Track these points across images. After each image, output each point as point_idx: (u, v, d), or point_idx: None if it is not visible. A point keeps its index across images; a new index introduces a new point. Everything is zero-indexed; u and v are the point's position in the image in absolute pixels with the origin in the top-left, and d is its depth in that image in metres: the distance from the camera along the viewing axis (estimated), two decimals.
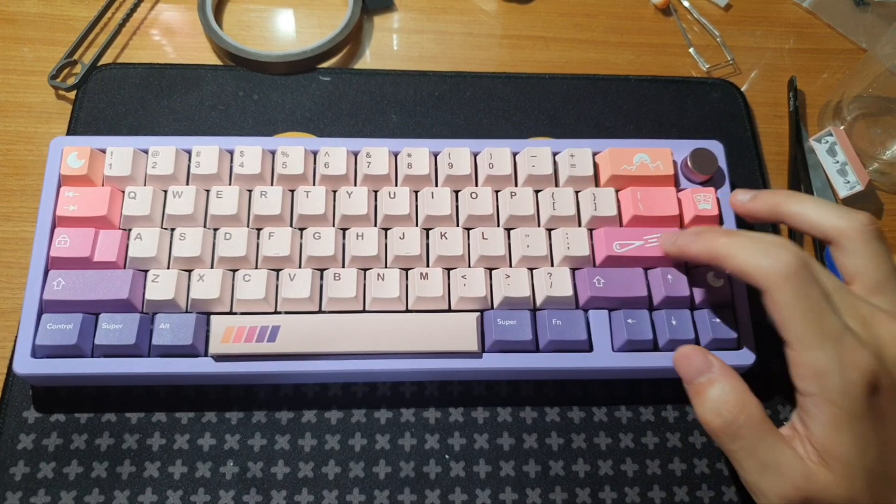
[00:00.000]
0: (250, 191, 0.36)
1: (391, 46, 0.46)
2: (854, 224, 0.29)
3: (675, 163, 0.38)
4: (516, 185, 0.37)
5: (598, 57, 0.46)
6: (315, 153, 0.37)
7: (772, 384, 0.36)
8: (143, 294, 0.33)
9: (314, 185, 0.36)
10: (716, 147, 0.38)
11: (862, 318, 0.27)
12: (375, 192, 0.36)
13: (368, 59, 0.45)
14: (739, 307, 0.35)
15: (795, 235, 0.41)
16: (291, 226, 0.35)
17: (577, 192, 0.37)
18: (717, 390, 0.27)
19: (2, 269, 0.37)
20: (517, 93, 0.43)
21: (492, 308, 0.34)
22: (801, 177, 0.42)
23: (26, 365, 0.32)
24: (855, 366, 0.25)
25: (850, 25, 0.48)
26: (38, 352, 0.32)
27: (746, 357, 0.34)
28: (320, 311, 0.34)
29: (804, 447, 0.26)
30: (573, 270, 0.35)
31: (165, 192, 0.35)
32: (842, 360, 0.25)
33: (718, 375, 0.28)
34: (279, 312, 0.34)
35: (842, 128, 0.43)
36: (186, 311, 0.33)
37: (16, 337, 0.34)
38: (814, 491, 0.25)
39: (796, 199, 0.31)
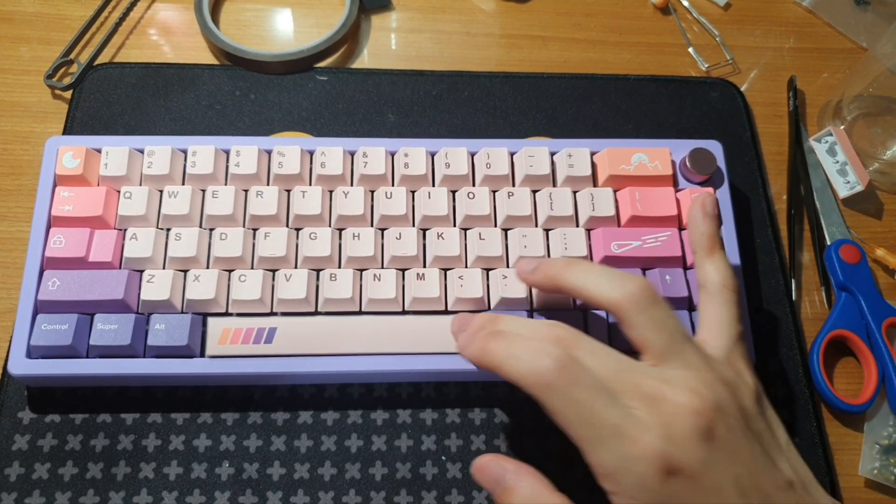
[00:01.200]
0: (246, 191, 0.36)
1: (389, 46, 0.45)
2: (625, 295, 0.27)
3: (673, 163, 0.38)
4: (514, 185, 0.37)
5: (596, 56, 0.46)
6: (311, 153, 0.37)
7: (771, 385, 0.36)
8: (139, 294, 0.33)
9: (310, 185, 0.36)
10: (715, 147, 0.38)
11: (646, 397, 0.25)
12: (372, 192, 0.36)
13: (366, 59, 0.45)
14: None
15: (794, 234, 0.41)
16: (287, 226, 0.35)
17: (574, 193, 0.37)
18: (518, 497, 0.26)
19: None
20: (515, 92, 0.43)
21: (489, 309, 0.34)
22: (801, 177, 0.42)
23: (21, 365, 0.32)
24: (642, 458, 0.24)
25: (850, 25, 0.48)
26: (33, 352, 0.32)
27: None
28: (316, 312, 0.34)
29: None
30: None
31: (161, 191, 0.35)
32: (627, 454, 0.24)
33: (514, 478, 0.26)
34: (275, 313, 0.34)
35: (842, 127, 0.43)
36: (182, 312, 0.33)
37: (11, 337, 0.33)
38: None
39: (572, 270, 0.29)
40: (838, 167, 0.42)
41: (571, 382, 0.25)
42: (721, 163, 0.38)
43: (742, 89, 0.45)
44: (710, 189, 0.37)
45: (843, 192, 0.41)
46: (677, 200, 0.37)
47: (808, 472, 0.28)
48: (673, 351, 0.27)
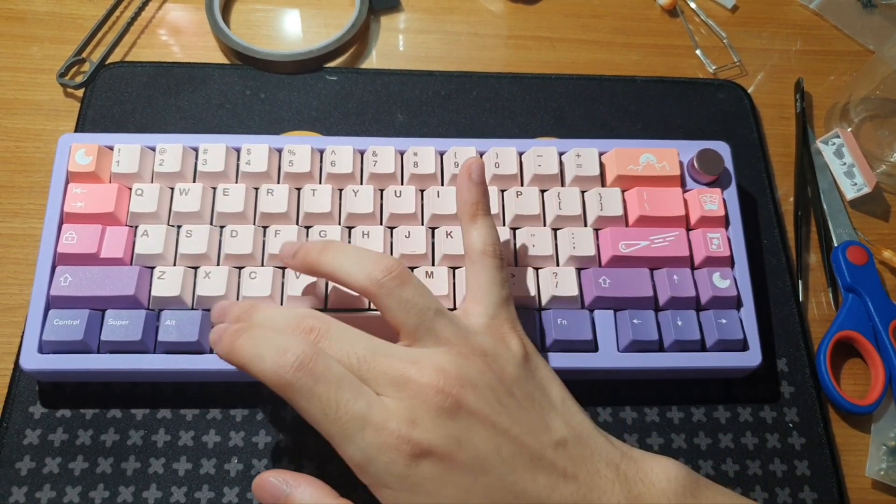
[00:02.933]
0: (257, 189, 0.36)
1: (397, 46, 0.46)
2: (371, 279, 0.27)
3: (681, 163, 0.38)
4: (522, 185, 0.37)
5: (604, 58, 0.46)
6: (321, 152, 0.37)
7: (778, 385, 0.36)
8: (150, 291, 0.33)
9: (320, 183, 0.37)
10: (722, 148, 0.38)
11: (394, 382, 0.25)
12: (381, 190, 0.36)
13: (375, 59, 0.45)
14: (745, 308, 0.35)
15: (801, 235, 0.41)
16: (298, 224, 0.35)
17: (583, 192, 0.37)
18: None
19: (9, 265, 0.37)
20: (523, 93, 0.44)
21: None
22: (808, 178, 0.42)
23: (33, 360, 0.32)
24: (387, 446, 0.24)
25: (857, 27, 0.48)
26: (44, 347, 0.32)
27: (752, 358, 0.34)
28: (326, 309, 0.34)
29: None
30: (579, 270, 0.35)
31: (172, 189, 0.36)
32: (373, 444, 0.24)
33: (293, 490, 0.26)
34: None
35: (849, 130, 0.43)
36: (192, 308, 0.33)
37: (23, 333, 0.34)
38: None
39: (326, 254, 0.29)
40: (845, 169, 0.42)
41: (313, 379, 0.24)
42: (729, 164, 0.38)
43: (749, 91, 0.45)
44: (718, 190, 0.37)
45: (850, 193, 0.41)
46: (685, 201, 0.37)
47: (587, 423, 0.27)
48: (424, 329, 0.27)
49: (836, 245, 0.40)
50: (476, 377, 0.26)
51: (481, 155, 0.37)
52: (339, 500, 0.26)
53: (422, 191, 0.36)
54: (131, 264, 0.34)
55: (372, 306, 0.33)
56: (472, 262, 0.30)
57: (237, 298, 0.34)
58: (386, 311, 0.27)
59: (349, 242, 0.35)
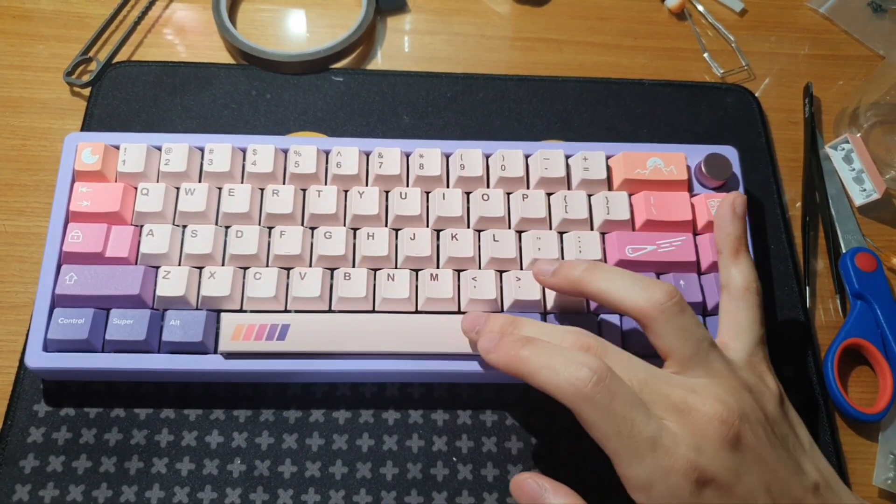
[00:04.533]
0: (262, 189, 0.36)
1: (404, 47, 0.46)
2: (652, 303, 0.27)
3: (688, 167, 0.38)
4: (528, 188, 0.37)
5: (611, 60, 0.46)
6: (327, 153, 0.37)
7: (785, 391, 0.36)
8: (154, 290, 0.33)
9: (326, 184, 0.36)
10: (730, 152, 0.38)
11: (675, 407, 0.25)
12: (387, 192, 0.36)
13: (381, 60, 0.45)
14: None
15: (809, 241, 0.40)
16: (303, 225, 0.35)
17: (589, 196, 0.36)
18: None
19: (15, 263, 0.37)
20: (529, 95, 0.43)
21: (502, 310, 0.34)
22: (816, 184, 0.42)
23: (38, 359, 0.32)
24: (676, 470, 0.24)
25: (867, 32, 0.48)
26: (49, 346, 0.32)
27: None
28: (330, 311, 0.34)
29: None
30: None
31: (178, 189, 0.36)
32: (661, 467, 0.24)
33: (552, 498, 0.27)
34: (289, 311, 0.34)
35: (858, 135, 0.43)
36: (197, 308, 0.33)
37: (28, 331, 0.34)
38: None
39: (597, 275, 0.29)
40: (854, 175, 0.42)
41: (610, 395, 0.25)
42: (736, 168, 0.38)
43: (757, 95, 0.45)
44: (725, 195, 0.37)
45: (858, 199, 0.41)
46: (692, 205, 0.36)
47: (832, 471, 0.28)
48: (698, 359, 0.27)
49: (844, 251, 0.40)
50: (749, 412, 0.26)
51: (487, 157, 0.37)
52: None
53: (427, 193, 0.36)
54: (136, 264, 0.34)
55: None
56: (732, 298, 0.30)
57: (241, 299, 0.34)
58: (660, 336, 0.27)
59: (354, 243, 0.35)
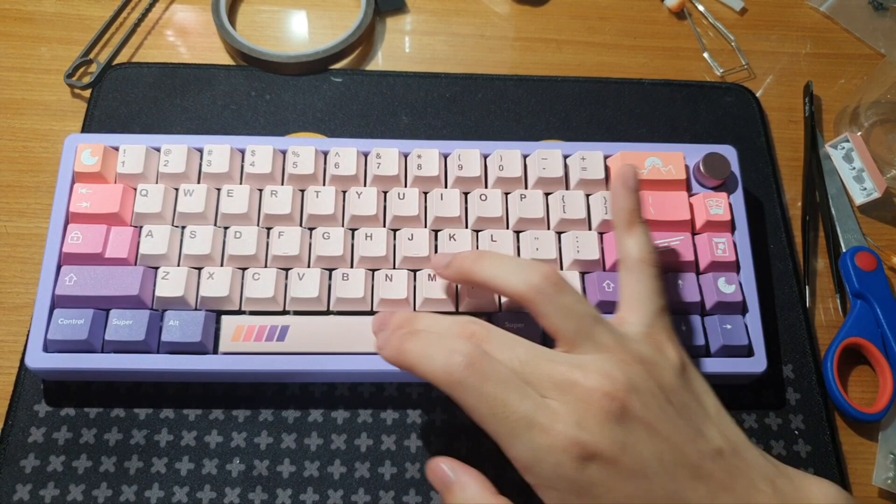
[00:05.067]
0: (261, 190, 0.36)
1: (403, 48, 0.46)
2: (530, 286, 0.27)
3: (687, 167, 0.38)
4: (526, 188, 0.37)
5: (610, 60, 0.46)
6: (325, 153, 0.37)
7: (784, 392, 0.36)
8: (154, 291, 0.33)
9: (324, 185, 0.37)
10: (729, 152, 0.38)
11: (558, 385, 0.25)
12: (385, 192, 0.36)
13: (380, 61, 0.45)
14: (751, 314, 0.35)
15: (809, 240, 0.40)
16: (301, 225, 0.36)
17: (587, 196, 0.36)
18: (461, 497, 0.26)
19: (15, 264, 0.37)
20: (529, 95, 0.43)
21: (500, 311, 0.34)
22: (817, 183, 0.42)
23: (38, 359, 0.32)
24: (556, 447, 0.24)
25: (867, 30, 0.47)
26: (49, 346, 0.32)
27: (758, 364, 0.34)
28: (328, 312, 0.34)
29: None
30: (583, 274, 0.35)
31: (177, 190, 0.36)
32: (541, 445, 0.24)
33: (458, 479, 0.27)
34: (287, 312, 0.34)
35: (859, 134, 0.43)
36: (196, 309, 0.34)
37: (28, 331, 0.34)
38: None
39: (481, 263, 0.29)
40: (855, 174, 0.41)
41: (482, 378, 0.25)
42: (735, 168, 0.38)
43: (757, 94, 0.45)
44: (724, 194, 0.37)
45: (859, 198, 0.41)
46: (690, 205, 0.36)
47: (742, 437, 0.27)
48: (583, 335, 0.27)
49: (844, 250, 0.39)
50: (639, 383, 0.26)
51: (485, 158, 0.37)
52: (498, 497, 0.26)
53: (425, 193, 0.36)
54: (136, 264, 0.34)
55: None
56: (629, 271, 0.30)
57: (240, 299, 0.34)
58: (543, 317, 0.27)
59: (352, 244, 0.35)
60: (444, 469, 0.27)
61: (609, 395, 0.25)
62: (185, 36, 0.45)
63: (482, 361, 0.26)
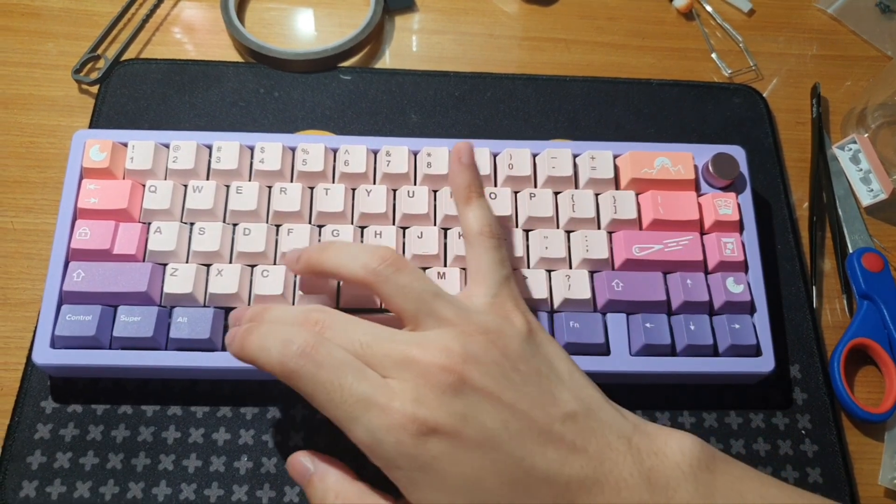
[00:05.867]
0: (270, 187, 0.36)
1: (412, 46, 0.46)
2: (366, 270, 0.27)
3: (696, 167, 0.38)
4: (536, 187, 0.37)
5: (619, 60, 0.46)
6: (335, 151, 0.37)
7: (791, 391, 0.36)
8: (162, 287, 0.33)
9: (333, 182, 0.37)
10: (737, 152, 0.38)
11: (397, 364, 0.25)
12: (394, 190, 0.36)
13: (389, 59, 0.45)
14: (759, 313, 0.35)
15: (816, 241, 0.40)
16: (310, 223, 0.35)
17: (596, 195, 0.36)
18: (323, 485, 0.27)
19: (23, 260, 0.37)
20: (537, 94, 0.43)
21: None
22: (824, 184, 0.42)
23: (45, 355, 0.32)
24: (393, 426, 0.24)
25: (875, 33, 0.47)
26: (57, 342, 0.32)
27: (766, 364, 0.34)
28: (338, 308, 0.34)
29: None
30: (592, 273, 0.35)
31: (186, 186, 0.36)
32: (379, 425, 0.24)
33: (319, 469, 0.27)
34: None
35: (866, 135, 0.43)
36: (204, 306, 0.33)
37: (35, 328, 0.34)
38: None
39: (326, 253, 0.29)
40: (861, 175, 0.42)
41: (316, 365, 0.25)
42: (744, 168, 0.38)
43: (765, 95, 0.45)
44: (732, 194, 0.37)
45: (866, 200, 0.41)
46: (699, 205, 0.36)
47: (597, 396, 0.27)
48: (424, 312, 0.27)
49: (851, 251, 0.40)
50: (480, 354, 0.26)
51: (494, 156, 0.37)
52: (357, 483, 0.26)
53: (435, 191, 0.36)
54: (144, 261, 0.34)
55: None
56: (470, 245, 0.30)
57: (249, 296, 0.34)
58: (386, 299, 0.28)
59: (361, 242, 0.35)
60: (303, 462, 0.27)
61: (446, 369, 0.25)
62: (193, 32, 0.45)
63: (317, 348, 0.25)
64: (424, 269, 0.35)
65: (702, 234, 0.36)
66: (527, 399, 0.25)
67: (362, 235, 0.35)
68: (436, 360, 0.25)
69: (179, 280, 0.33)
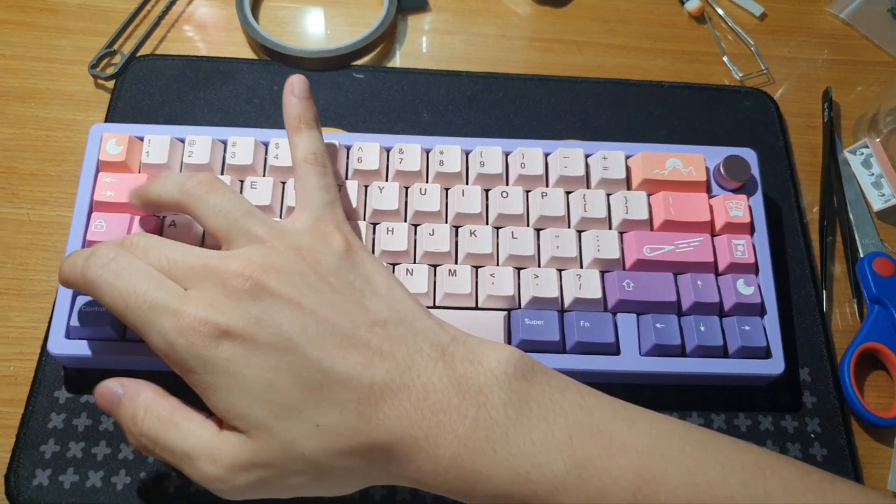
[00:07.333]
0: (284, 183, 0.36)
1: (424, 46, 0.46)
2: (180, 190, 0.28)
3: (707, 169, 0.38)
4: (547, 186, 0.37)
5: (630, 62, 0.46)
6: (348, 148, 0.37)
7: (800, 395, 0.36)
8: None
9: (347, 179, 0.37)
10: (749, 155, 0.38)
11: (199, 274, 0.26)
12: (406, 188, 0.37)
13: (401, 59, 0.45)
14: (769, 316, 0.35)
15: (826, 245, 0.40)
16: None
17: (608, 195, 0.37)
18: (133, 403, 0.26)
19: (39, 251, 0.38)
20: (549, 95, 0.44)
21: (519, 307, 0.34)
22: (835, 188, 0.42)
23: (61, 345, 0.32)
24: (185, 328, 0.24)
25: (887, 38, 0.47)
26: (72, 333, 0.33)
27: (775, 366, 0.34)
28: None
29: (212, 423, 0.26)
30: (602, 273, 0.35)
31: None
32: (171, 329, 0.24)
33: (126, 390, 0.27)
34: None
35: (877, 140, 0.43)
36: None
37: (50, 318, 0.34)
38: (234, 455, 0.24)
39: (152, 182, 0.30)
40: (873, 180, 0.42)
41: (114, 275, 0.26)
42: (755, 171, 0.38)
43: (776, 99, 0.45)
44: (744, 196, 0.37)
45: (877, 204, 0.41)
46: (710, 207, 0.37)
47: (415, 308, 0.27)
48: (236, 230, 0.28)
49: (861, 256, 0.40)
50: (284, 265, 0.26)
51: (506, 155, 0.37)
52: (170, 398, 0.27)
53: (447, 189, 0.37)
54: None
55: None
56: (296, 171, 0.31)
57: None
58: (200, 219, 0.28)
59: (374, 238, 0.35)
60: (111, 387, 0.27)
61: (242, 275, 0.25)
62: (208, 30, 0.46)
63: (118, 259, 0.26)
64: (435, 266, 0.35)
65: (713, 235, 0.36)
66: (331, 307, 0.26)
67: (374, 232, 0.35)
68: (233, 269, 0.26)
69: None
